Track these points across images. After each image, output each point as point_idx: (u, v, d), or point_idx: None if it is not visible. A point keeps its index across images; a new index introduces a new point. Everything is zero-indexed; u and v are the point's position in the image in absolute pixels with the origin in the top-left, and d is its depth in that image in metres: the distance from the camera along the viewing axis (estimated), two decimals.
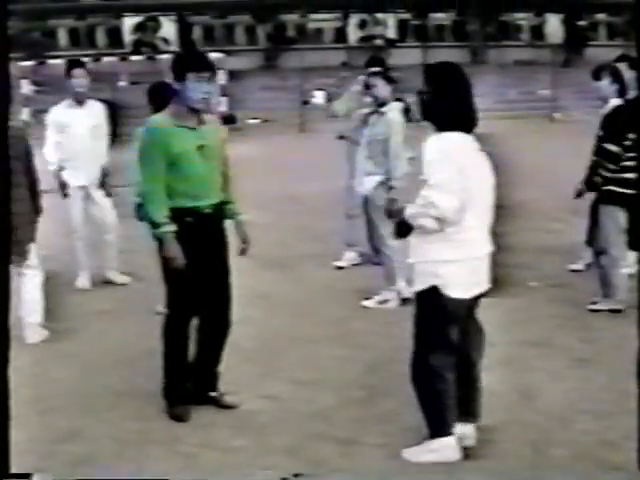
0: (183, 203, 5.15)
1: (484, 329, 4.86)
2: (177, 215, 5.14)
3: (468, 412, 4.83)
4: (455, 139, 4.57)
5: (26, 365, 5.54)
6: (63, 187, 8.15)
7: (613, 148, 7.02)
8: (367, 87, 7.86)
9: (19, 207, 6.46)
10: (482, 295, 4.75)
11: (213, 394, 5.49)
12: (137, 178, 5.57)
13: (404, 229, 4.64)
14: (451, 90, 4.62)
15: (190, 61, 5.23)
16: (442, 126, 4.58)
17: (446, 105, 4.58)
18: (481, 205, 4.61)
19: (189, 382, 5.48)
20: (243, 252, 5.51)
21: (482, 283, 4.72)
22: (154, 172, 5.11)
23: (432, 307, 4.60)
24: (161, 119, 5.25)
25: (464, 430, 4.80)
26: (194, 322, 5.44)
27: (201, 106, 5.18)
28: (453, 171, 4.46)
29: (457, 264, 4.55)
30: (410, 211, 4.55)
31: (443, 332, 4.63)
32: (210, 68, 5.20)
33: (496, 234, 4.81)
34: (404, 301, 7.35)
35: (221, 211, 5.35)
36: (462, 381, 4.78)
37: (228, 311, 5.44)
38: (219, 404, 5.46)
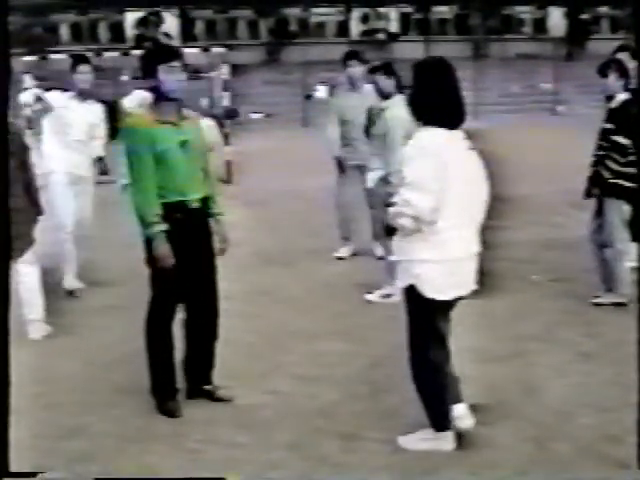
0: (171, 198, 5.16)
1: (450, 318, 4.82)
2: (167, 211, 5.15)
3: (453, 397, 4.84)
4: (438, 135, 4.49)
5: (28, 361, 5.53)
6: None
7: (623, 141, 7.00)
8: (372, 82, 7.89)
9: (16, 203, 6.45)
10: (462, 297, 4.68)
11: (207, 387, 5.50)
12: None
13: (391, 228, 4.62)
14: (435, 85, 4.53)
15: (158, 54, 5.28)
16: (426, 121, 4.52)
17: (429, 100, 4.52)
18: (464, 205, 4.48)
19: (185, 377, 5.49)
20: (222, 252, 5.49)
21: (463, 285, 4.64)
22: (143, 171, 5.11)
23: (414, 304, 4.62)
24: (142, 117, 5.30)
25: (459, 411, 4.81)
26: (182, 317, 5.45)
27: (178, 95, 5.19)
28: (430, 169, 4.37)
29: (432, 264, 4.48)
30: (391, 210, 4.51)
31: (431, 328, 4.64)
32: (178, 57, 5.22)
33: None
34: None
35: (206, 205, 5.37)
36: None
37: (215, 305, 5.44)
38: (213, 397, 5.47)
